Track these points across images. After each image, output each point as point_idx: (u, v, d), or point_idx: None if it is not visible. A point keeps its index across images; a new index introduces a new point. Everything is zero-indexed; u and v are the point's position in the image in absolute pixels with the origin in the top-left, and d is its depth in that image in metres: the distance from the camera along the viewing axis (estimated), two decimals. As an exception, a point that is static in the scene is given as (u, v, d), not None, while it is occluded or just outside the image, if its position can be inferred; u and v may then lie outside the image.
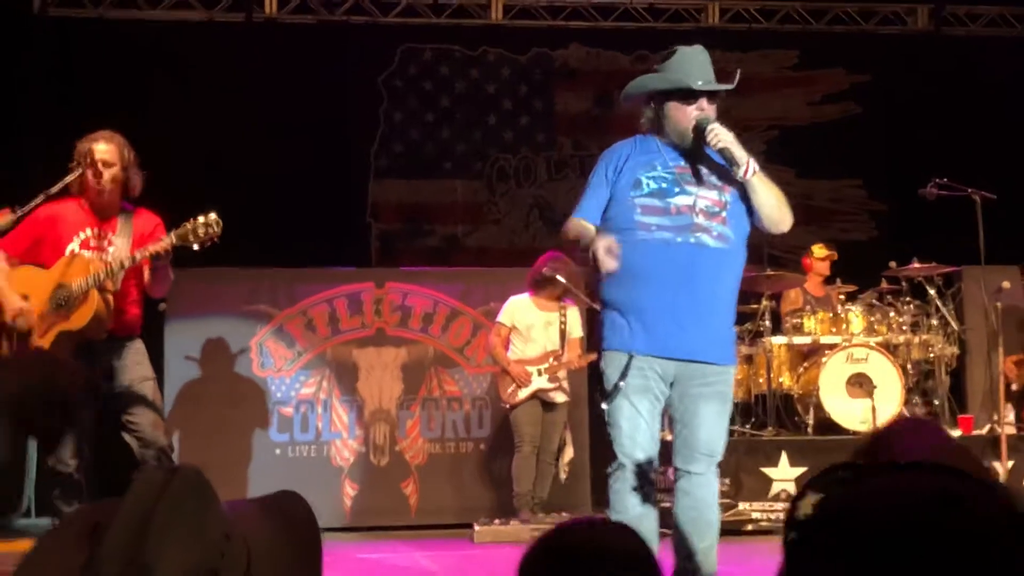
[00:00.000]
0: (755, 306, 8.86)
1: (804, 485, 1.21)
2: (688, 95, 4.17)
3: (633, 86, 4.31)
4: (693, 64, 4.23)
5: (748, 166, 4.10)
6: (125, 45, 10.33)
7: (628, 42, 11.40)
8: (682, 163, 4.22)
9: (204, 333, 9.00)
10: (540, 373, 8.14)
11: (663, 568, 1.85)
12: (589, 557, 1.78)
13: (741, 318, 8.92)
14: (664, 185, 4.16)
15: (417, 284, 9.38)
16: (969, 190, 8.30)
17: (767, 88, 11.60)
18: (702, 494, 4.20)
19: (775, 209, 4.23)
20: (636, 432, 4.10)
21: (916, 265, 8.72)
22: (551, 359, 8.15)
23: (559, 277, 8.14)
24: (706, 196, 4.18)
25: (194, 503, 1.61)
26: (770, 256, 10.16)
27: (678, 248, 4.08)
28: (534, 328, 8.19)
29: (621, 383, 4.06)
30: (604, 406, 4.12)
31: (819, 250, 9.39)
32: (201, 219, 5.39)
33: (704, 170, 4.21)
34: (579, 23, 11.36)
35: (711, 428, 4.19)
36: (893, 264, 8.84)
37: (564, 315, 8.24)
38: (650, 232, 4.09)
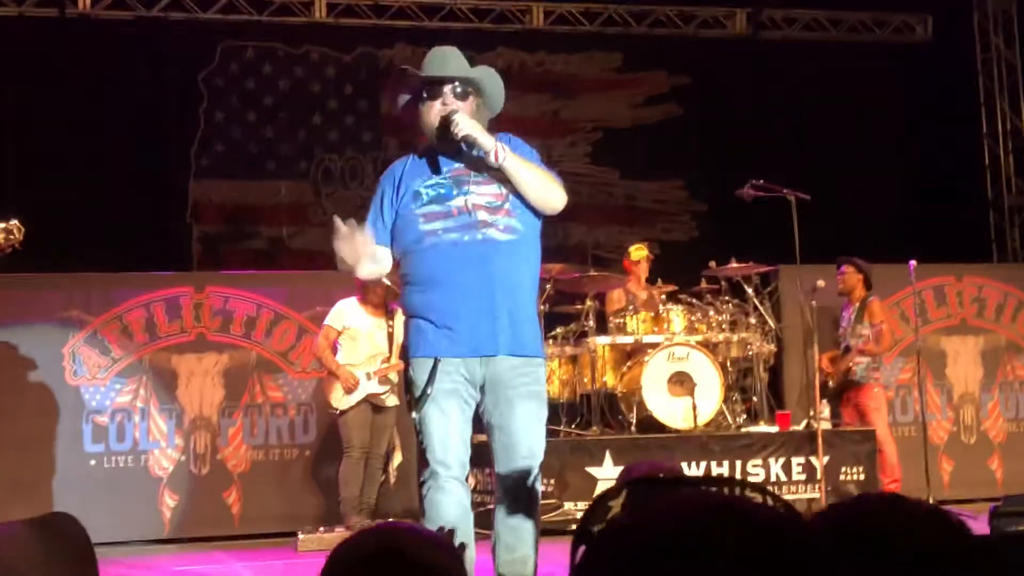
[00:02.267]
0: (579, 306, 8.93)
1: (599, 497, 1.20)
2: (432, 92, 4.11)
3: (390, 93, 4.26)
4: (435, 60, 4.17)
5: (496, 151, 4.04)
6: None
7: (453, 42, 11.21)
8: (456, 165, 4.14)
9: (13, 340, 8.64)
10: (369, 377, 8.05)
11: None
12: (395, 564, 1.74)
13: (565, 319, 8.99)
14: (442, 191, 4.10)
15: (239, 288, 9.18)
16: (784, 191, 8.50)
17: (591, 90, 11.73)
18: (523, 500, 4.14)
19: (539, 190, 4.15)
20: (447, 438, 4.04)
21: (734, 264, 8.90)
22: (380, 362, 8.07)
23: (386, 280, 8.05)
24: (484, 192, 4.11)
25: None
26: (594, 256, 10.28)
27: (467, 247, 4.03)
28: (362, 332, 8.10)
29: (429, 389, 4.00)
30: (414, 414, 4.06)
31: (636, 251, 9.52)
32: (1, 225, 5.17)
33: (477, 167, 4.13)
34: (404, 22, 11.30)
35: (529, 431, 4.14)
36: (713, 264, 9.00)
37: (392, 319, 8.16)
38: (437, 236, 4.05)
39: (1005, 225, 12.11)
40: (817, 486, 8.27)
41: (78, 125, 9.93)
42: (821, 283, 8.62)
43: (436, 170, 4.12)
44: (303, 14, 11.09)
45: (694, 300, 9.04)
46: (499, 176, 4.12)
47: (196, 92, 10.75)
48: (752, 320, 8.95)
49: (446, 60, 4.19)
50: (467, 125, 4.01)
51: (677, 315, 8.82)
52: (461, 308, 4.03)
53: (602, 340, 8.81)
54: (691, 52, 11.82)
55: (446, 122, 4.02)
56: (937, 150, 11.62)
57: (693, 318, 8.87)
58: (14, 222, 5.19)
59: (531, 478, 4.14)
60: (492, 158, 4.05)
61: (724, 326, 8.89)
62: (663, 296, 9.17)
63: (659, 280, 9.37)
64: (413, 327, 4.12)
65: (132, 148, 10.21)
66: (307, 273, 9.75)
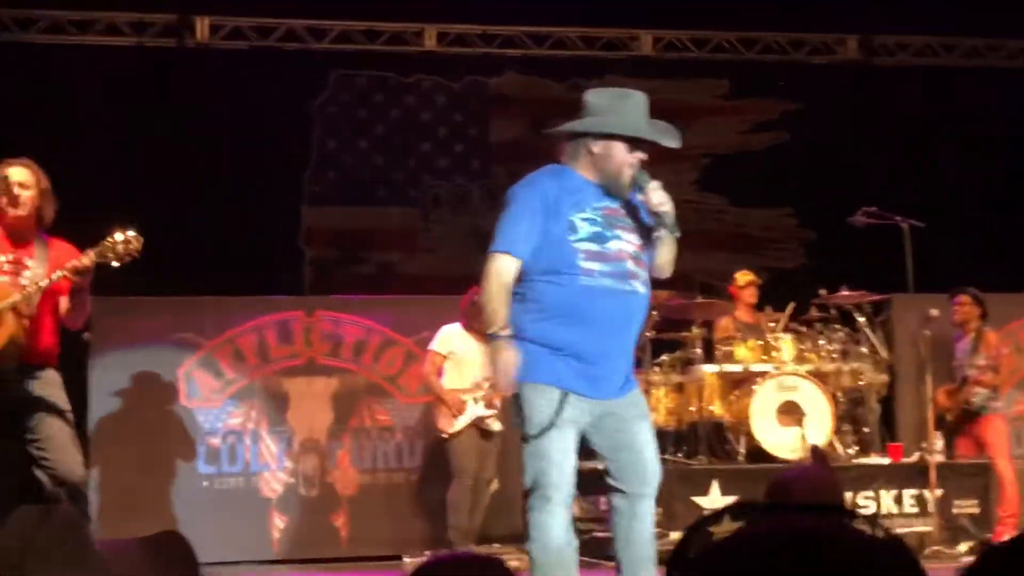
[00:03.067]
0: (686, 334, 8.87)
1: (695, 523, 1.19)
2: (634, 142, 4.23)
3: (591, 124, 4.26)
4: (640, 113, 4.29)
5: (670, 227, 4.28)
6: (55, 70, 10.20)
7: (562, 70, 11.42)
8: (607, 204, 4.27)
9: (130, 364, 8.85)
10: (476, 401, 8.09)
11: None
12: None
13: (672, 346, 8.95)
14: (597, 229, 4.21)
15: (349, 312, 9.31)
16: (897, 218, 8.38)
17: (699, 116, 11.67)
18: (649, 514, 4.34)
19: (671, 259, 4.47)
20: (565, 464, 4.18)
21: (845, 292, 8.78)
22: (486, 386, 8.10)
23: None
24: (630, 241, 4.29)
25: (69, 545, 1.55)
26: (702, 284, 10.20)
27: (619, 296, 4.19)
28: (468, 357, 8.15)
29: (557, 419, 4.11)
30: (531, 438, 4.14)
31: (741, 277, 9.43)
32: (119, 235, 5.31)
33: (628, 215, 4.31)
34: (513, 51, 11.37)
35: (652, 446, 4.36)
36: (823, 291, 8.89)
37: (495, 343, 8.19)
38: (593, 278, 4.16)
39: None
40: (929, 519, 8.10)
41: (195, 152, 10.16)
42: (935, 312, 8.45)
43: (587, 202, 4.22)
44: (414, 43, 11.22)
45: (804, 328, 8.93)
46: (638, 228, 4.31)
47: (309, 120, 10.94)
48: (864, 349, 8.81)
49: (662, 127, 4.32)
50: (665, 200, 4.22)
51: (786, 344, 8.72)
52: (603, 354, 4.19)
53: (709, 368, 8.75)
54: (800, 78, 11.70)
55: (641, 183, 4.21)
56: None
57: (803, 347, 8.76)
58: (132, 232, 5.32)
59: (656, 491, 4.37)
60: (664, 232, 4.29)
61: (835, 355, 8.77)
62: (772, 324, 9.07)
63: (768, 308, 9.28)
64: (538, 353, 4.16)
65: (247, 174, 10.41)
66: (415, 298, 9.84)
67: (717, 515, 1.20)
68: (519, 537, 8.92)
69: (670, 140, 4.32)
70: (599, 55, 11.49)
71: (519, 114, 11.49)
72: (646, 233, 4.34)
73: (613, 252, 4.21)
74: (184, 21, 10.63)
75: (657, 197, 4.20)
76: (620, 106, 4.27)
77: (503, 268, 4.18)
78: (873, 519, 1.19)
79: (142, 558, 1.74)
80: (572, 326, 4.14)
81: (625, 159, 4.23)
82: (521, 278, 4.21)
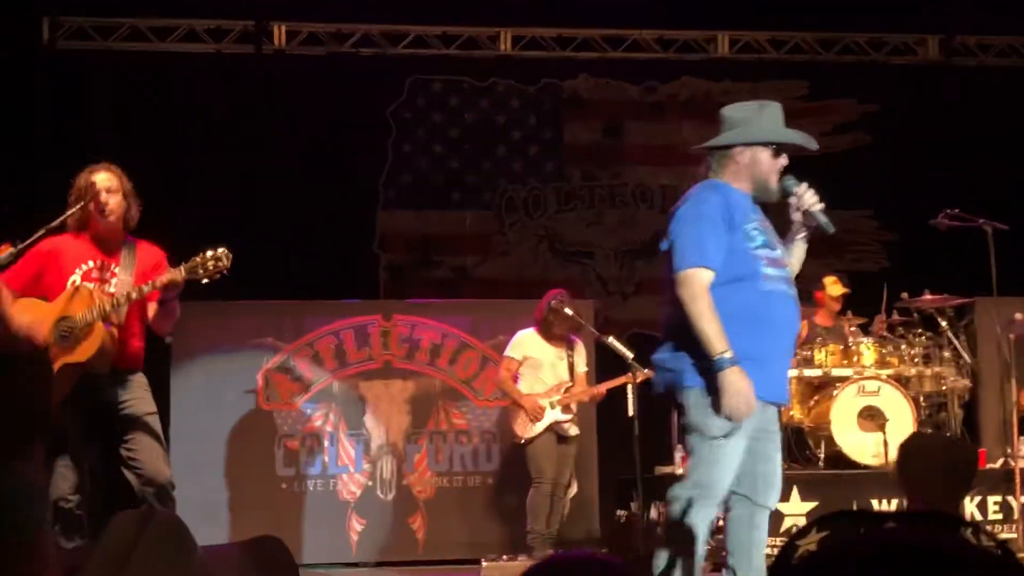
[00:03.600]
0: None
1: (799, 531, 1.17)
2: (779, 150, 4.42)
3: (735, 136, 4.40)
4: (779, 121, 4.51)
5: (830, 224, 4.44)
6: (134, 78, 10.34)
7: (637, 72, 11.38)
8: (760, 216, 4.42)
9: (210, 367, 8.95)
10: (553, 406, 8.07)
11: None
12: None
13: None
14: (763, 238, 4.35)
15: (424, 316, 9.34)
16: (980, 221, 8.23)
17: (777, 118, 11.55)
18: (766, 525, 4.44)
19: (800, 265, 4.61)
20: (732, 472, 4.27)
21: (928, 296, 8.64)
22: (562, 390, 8.09)
23: (567, 310, 8.08)
24: (779, 248, 4.45)
25: (171, 550, 1.56)
26: (781, 287, 10.10)
27: (789, 300, 4.35)
28: (544, 362, 8.13)
29: (740, 425, 4.19)
30: (712, 443, 4.20)
31: (834, 287, 9.29)
32: (210, 252, 5.36)
33: (771, 224, 4.46)
34: (588, 54, 11.34)
35: (780, 462, 4.49)
36: (905, 295, 8.75)
37: (571, 349, 8.18)
38: (773, 283, 4.29)
39: None
40: (1015, 526, 7.94)
41: (272, 157, 10.26)
42: (1019, 316, 8.31)
43: (748, 214, 4.35)
44: (489, 47, 11.24)
45: (886, 333, 8.80)
46: (778, 237, 4.44)
47: (385, 125, 10.99)
48: (946, 354, 8.67)
49: (800, 133, 4.56)
50: (817, 199, 4.43)
51: (867, 348, 8.60)
52: (778, 357, 4.35)
53: (789, 372, 8.64)
54: (881, 79, 11.55)
55: (789, 187, 4.44)
56: None
57: (884, 351, 8.64)
58: (223, 250, 5.36)
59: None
60: (807, 234, 4.49)
61: (916, 360, 8.63)
62: (853, 328, 8.95)
63: (850, 312, 9.16)
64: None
65: (323, 179, 10.48)
66: (490, 302, 9.86)
67: (805, 529, 1.18)
68: (596, 540, 8.91)
69: (810, 144, 4.50)
70: (675, 57, 11.42)
71: (593, 116, 11.46)
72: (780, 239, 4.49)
73: (780, 258, 4.37)
74: (261, 27, 10.73)
75: (810, 197, 4.42)
76: (759, 116, 4.44)
77: (705, 284, 4.23)
78: (978, 527, 1.15)
79: (242, 563, 1.74)
80: (754, 331, 4.20)
81: (772, 166, 4.40)
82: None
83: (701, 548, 4.24)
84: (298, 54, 10.87)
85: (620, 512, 8.95)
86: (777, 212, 4.61)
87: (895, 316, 8.90)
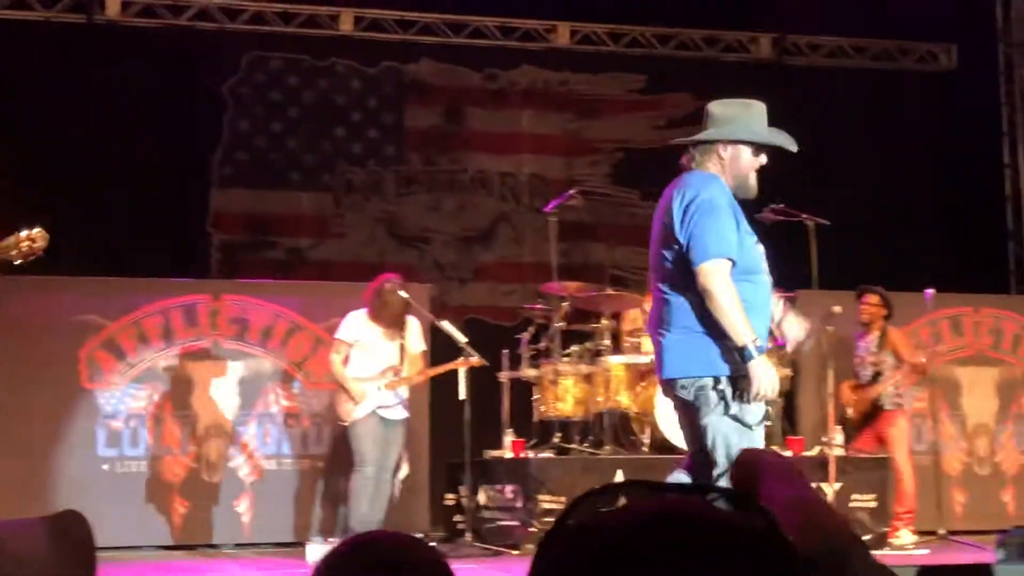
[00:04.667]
0: (595, 325, 8.92)
1: (585, 494, 1.19)
2: (759, 151, 4.59)
3: (732, 131, 4.57)
4: (763, 121, 4.68)
5: None
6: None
7: (479, 59, 11.42)
8: (741, 213, 4.58)
9: (30, 344, 8.68)
10: (380, 389, 8.05)
11: None
12: (382, 571, 1.73)
13: (581, 337, 8.99)
14: (752, 236, 4.59)
15: (256, 296, 9.22)
16: (804, 216, 8.49)
17: (615, 110, 11.74)
18: None
19: None
20: None
21: (752, 288, 8.87)
22: (391, 374, 8.07)
23: (401, 293, 8.08)
24: None
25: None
26: (612, 276, 10.28)
27: (769, 289, 4.58)
28: (375, 344, 8.10)
29: (769, 410, 4.60)
30: (752, 428, 4.35)
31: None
32: (24, 233, 5.17)
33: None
34: (430, 38, 11.33)
35: None
36: (730, 287, 8.97)
37: (404, 331, 8.17)
38: (766, 275, 4.56)
39: (1025, 256, 12.06)
40: (829, 513, 8.21)
41: (101, 131, 9.99)
42: (837, 309, 8.58)
43: (739, 208, 4.55)
44: (330, 27, 11.14)
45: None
46: None
47: (221, 101, 10.81)
48: (768, 345, 8.91)
49: (782, 134, 4.70)
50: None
51: (693, 337, 8.79)
52: (764, 341, 4.50)
53: (617, 359, 8.80)
54: (715, 75, 11.81)
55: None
56: (959, 180, 11.58)
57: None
58: (38, 230, 5.17)
59: None
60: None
61: (739, 349, 8.86)
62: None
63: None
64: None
65: (155, 155, 10.26)
66: (324, 284, 9.79)
67: (608, 490, 1.20)
68: (425, 524, 8.93)
69: (791, 145, 4.64)
70: (516, 45, 11.50)
71: (434, 101, 11.46)
72: None
73: (762, 252, 4.60)
74: (94, -4, 10.44)
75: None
76: (746, 115, 4.62)
77: (728, 274, 4.34)
78: (748, 500, 1.19)
79: (41, 537, 1.71)
80: (760, 322, 4.42)
81: (752, 164, 4.56)
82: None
83: None
84: (132, 25, 10.60)
85: (450, 496, 9.00)
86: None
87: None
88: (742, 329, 4.23)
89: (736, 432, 4.33)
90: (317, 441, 9.14)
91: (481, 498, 8.62)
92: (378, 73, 11.35)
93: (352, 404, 7.99)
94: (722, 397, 4.33)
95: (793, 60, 12.04)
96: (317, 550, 7.76)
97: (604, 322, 8.89)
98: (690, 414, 4.47)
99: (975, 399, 10.16)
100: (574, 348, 8.91)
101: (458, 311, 10.66)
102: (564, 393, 8.69)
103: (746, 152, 4.53)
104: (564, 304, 8.74)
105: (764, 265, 4.54)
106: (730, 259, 4.35)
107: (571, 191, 9.24)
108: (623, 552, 1.02)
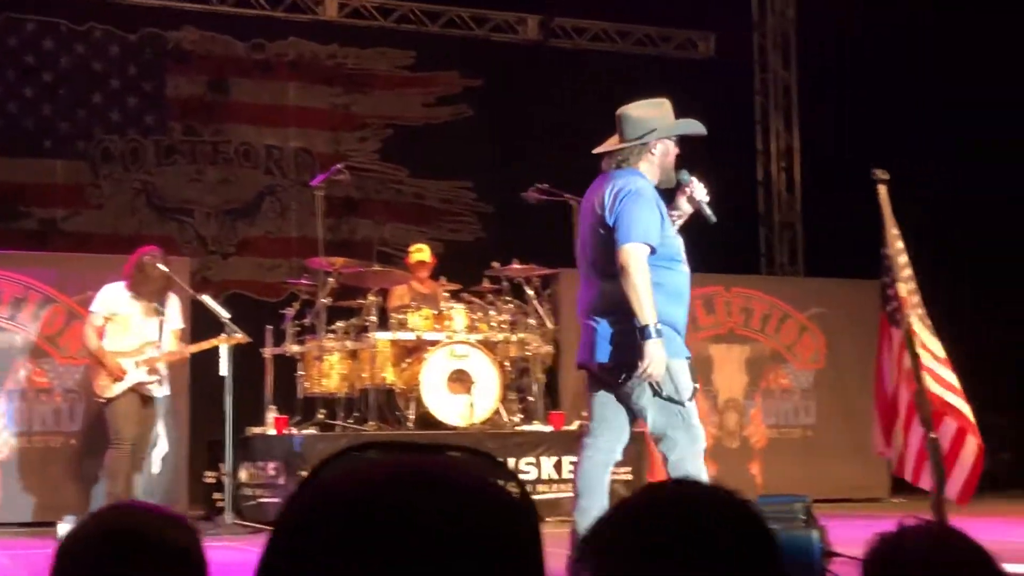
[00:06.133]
0: (362, 301, 8.90)
1: (310, 471, 1.16)
2: (677, 141, 4.92)
3: (664, 130, 4.84)
4: (673, 114, 4.96)
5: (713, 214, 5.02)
6: None
7: (245, 29, 11.21)
8: (663, 202, 4.87)
9: None
10: (137, 365, 7.82)
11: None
12: (127, 543, 1.70)
13: (347, 313, 8.96)
14: (673, 226, 4.92)
15: (5, 268, 8.81)
16: (567, 196, 8.67)
17: (384, 86, 11.73)
18: None
19: None
20: None
21: (516, 266, 9.03)
22: (149, 350, 7.85)
23: (161, 267, 7.87)
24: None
25: None
26: (379, 253, 10.27)
27: (687, 279, 4.94)
28: (133, 319, 7.87)
29: (696, 386, 4.81)
30: (685, 405, 4.73)
31: (416, 252, 9.59)
32: None
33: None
34: (194, 5, 11.05)
35: None
36: (496, 264, 9.11)
37: (164, 306, 7.96)
38: (684, 264, 4.90)
39: (774, 240, 12.64)
40: (587, 485, 8.43)
41: None
42: (599, 287, 8.81)
43: (662, 202, 4.85)
44: (85, -10, 10.74)
45: (476, 299, 9.12)
46: None
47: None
48: (531, 321, 9.09)
49: (694, 122, 5.02)
50: (706, 194, 4.99)
51: (459, 313, 8.89)
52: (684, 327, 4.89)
53: (383, 336, 8.81)
54: (484, 55, 11.93)
55: (683, 179, 4.96)
56: (713, 164, 11.98)
57: (474, 317, 8.96)
58: None
59: None
60: (682, 222, 5.02)
61: (504, 326, 9.01)
62: (446, 294, 9.23)
63: (443, 278, 9.43)
64: (671, 332, 4.71)
65: None
66: (79, 256, 9.46)
67: (354, 450, 1.18)
68: (183, 503, 8.74)
69: (703, 130, 5.00)
70: (283, 16, 11.33)
71: (198, 71, 11.20)
72: None
73: (682, 245, 4.94)
74: None
75: (701, 190, 4.98)
76: (665, 112, 4.92)
77: (645, 258, 4.63)
78: (501, 466, 1.18)
79: None
80: (680, 308, 4.83)
81: (673, 154, 4.91)
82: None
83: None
84: None
85: (210, 473, 8.84)
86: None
87: (485, 284, 9.24)
88: (648, 311, 4.54)
89: (665, 411, 4.70)
90: (71, 418, 8.82)
91: (242, 476, 8.51)
92: (138, 39, 11.02)
93: (109, 380, 7.75)
94: (668, 375, 4.68)
95: (559, 42, 12.26)
96: (68, 529, 7.50)
97: (371, 298, 8.88)
98: (622, 398, 4.76)
99: (726, 375, 10.60)
100: (340, 324, 8.87)
101: (221, 286, 10.48)
102: (329, 369, 8.65)
103: (671, 146, 4.89)
104: (330, 280, 8.69)
105: (684, 256, 4.89)
106: (650, 246, 4.65)
107: (338, 166, 9.17)
108: (360, 509, 1.02)
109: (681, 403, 4.71)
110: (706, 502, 1.33)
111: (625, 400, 4.76)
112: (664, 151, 4.87)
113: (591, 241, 4.83)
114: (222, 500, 8.34)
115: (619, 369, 4.68)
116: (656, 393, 4.65)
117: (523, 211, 9.11)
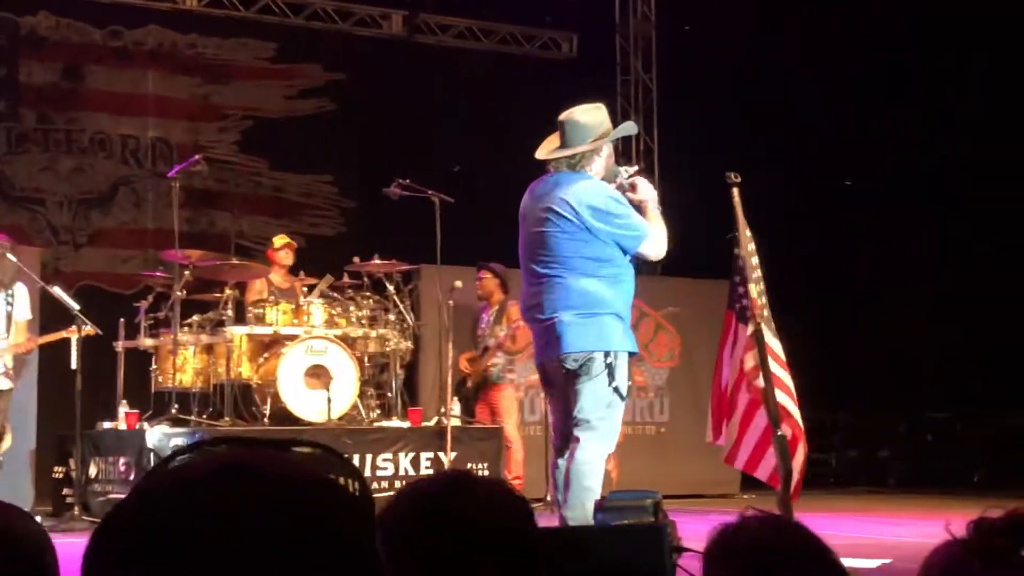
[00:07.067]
0: (219, 295, 8.77)
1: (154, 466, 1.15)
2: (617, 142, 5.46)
3: (610, 133, 5.20)
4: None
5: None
6: None
7: (102, 15, 10.96)
8: None
9: None
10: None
11: None
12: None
13: (203, 307, 8.83)
14: None
15: None
16: (429, 192, 8.69)
17: (244, 77, 11.58)
18: None
19: None
20: None
21: (377, 261, 9.00)
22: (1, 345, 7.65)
23: (10, 256, 7.67)
24: None
25: None
26: (237, 246, 10.13)
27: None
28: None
29: (631, 383, 5.09)
30: (623, 400, 5.02)
31: (278, 240, 9.48)
32: None
33: None
34: (49, -11, 10.76)
35: None
36: (356, 259, 9.06)
37: (11, 296, 7.75)
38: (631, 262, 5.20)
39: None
40: (444, 481, 8.45)
41: None
42: (458, 284, 8.85)
43: None
44: (-65, -31, 10.39)
45: (335, 295, 9.07)
46: None
47: None
48: (391, 317, 9.06)
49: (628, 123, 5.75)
50: (649, 192, 5.28)
51: (317, 308, 8.82)
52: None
53: (239, 330, 8.69)
54: (348, 49, 11.86)
55: (626, 174, 5.26)
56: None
57: (333, 312, 8.90)
58: None
59: None
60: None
61: (364, 321, 8.97)
62: (304, 288, 9.16)
63: (302, 273, 9.35)
64: (620, 326, 5.02)
65: None
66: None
67: (196, 447, 1.16)
68: (28, 500, 8.52)
69: (635, 130, 5.75)
70: (142, 4, 11.11)
71: (52, 57, 10.92)
72: None
73: None
74: None
75: (645, 187, 5.28)
76: (606, 117, 5.26)
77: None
78: (345, 463, 1.17)
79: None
80: (629, 306, 5.10)
81: (612, 155, 5.31)
82: (613, 261, 5.03)
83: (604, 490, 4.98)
84: None
85: (58, 468, 8.63)
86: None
87: (345, 279, 9.19)
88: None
89: (600, 400, 4.94)
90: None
91: (92, 471, 8.33)
92: (-9, 23, 10.70)
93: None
94: (608, 369, 4.93)
95: (423, 39, 12.25)
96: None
97: (228, 292, 8.75)
98: (570, 383, 4.98)
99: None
100: (195, 318, 8.73)
101: (72, 277, 10.23)
102: (183, 364, 8.52)
103: (611, 147, 5.29)
104: (186, 273, 8.54)
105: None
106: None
107: (196, 157, 9.01)
108: (182, 502, 1.01)
109: (622, 398, 5.01)
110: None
111: (568, 387, 5.01)
112: (609, 152, 5.26)
113: (559, 242, 5.06)
114: (71, 496, 8.16)
115: (584, 354, 4.95)
116: (609, 381, 4.93)
117: (385, 207, 9.09)
